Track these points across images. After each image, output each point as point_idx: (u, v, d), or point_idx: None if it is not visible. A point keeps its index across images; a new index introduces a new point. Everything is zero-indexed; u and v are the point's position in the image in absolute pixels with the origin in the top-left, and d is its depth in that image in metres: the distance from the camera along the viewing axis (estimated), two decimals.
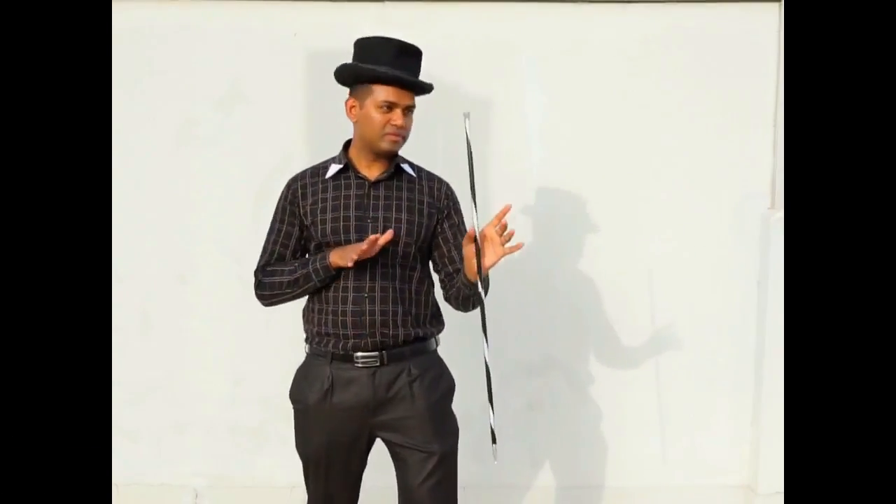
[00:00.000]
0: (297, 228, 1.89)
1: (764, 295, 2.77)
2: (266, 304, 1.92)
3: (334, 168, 1.87)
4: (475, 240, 1.72)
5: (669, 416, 2.87)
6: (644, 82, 2.74)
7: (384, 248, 1.77)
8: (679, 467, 2.89)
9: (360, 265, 1.77)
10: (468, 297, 1.85)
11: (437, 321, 1.96)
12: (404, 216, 1.85)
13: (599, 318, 2.82)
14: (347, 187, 1.85)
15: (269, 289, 1.87)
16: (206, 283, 2.80)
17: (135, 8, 2.67)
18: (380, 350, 1.82)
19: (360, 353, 1.82)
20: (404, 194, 1.87)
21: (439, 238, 1.92)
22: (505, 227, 1.72)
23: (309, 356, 1.91)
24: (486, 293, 1.79)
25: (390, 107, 1.79)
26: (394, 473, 1.91)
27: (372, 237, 1.70)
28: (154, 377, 2.83)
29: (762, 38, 2.73)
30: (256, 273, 1.91)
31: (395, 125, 1.79)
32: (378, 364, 1.82)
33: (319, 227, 1.84)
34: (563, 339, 2.85)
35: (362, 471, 1.93)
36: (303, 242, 1.90)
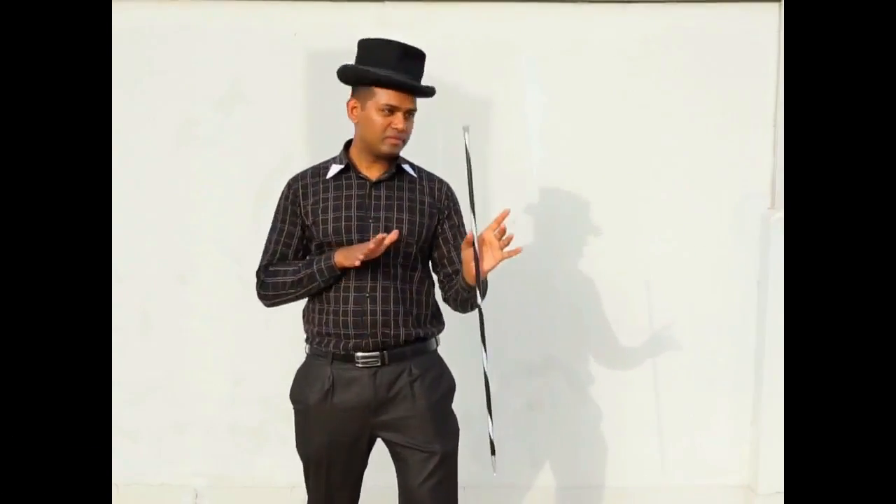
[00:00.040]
0: (298, 228, 1.88)
1: (764, 295, 2.77)
2: (268, 305, 1.92)
3: (335, 168, 1.87)
4: (474, 245, 1.72)
5: (669, 416, 2.87)
6: (644, 82, 2.74)
7: (386, 249, 1.77)
8: (679, 467, 2.89)
9: (362, 265, 1.77)
10: (466, 300, 1.87)
11: (438, 321, 1.97)
12: (406, 216, 1.85)
13: (599, 319, 2.82)
14: (349, 187, 1.85)
15: (273, 289, 1.87)
16: (206, 283, 2.80)
17: (135, 8, 2.67)
18: (381, 350, 1.82)
19: (360, 353, 1.82)
20: (405, 194, 1.87)
21: (439, 239, 1.92)
22: (504, 231, 1.73)
23: (309, 356, 1.91)
24: (483, 297, 1.80)
25: (391, 110, 1.79)
26: (394, 473, 1.91)
27: (379, 236, 1.70)
28: (154, 377, 2.83)
29: (762, 38, 2.73)
30: (258, 273, 1.91)
31: (396, 129, 1.80)
32: (379, 364, 1.82)
33: (321, 226, 1.84)
34: (563, 339, 2.85)
35: (363, 471, 1.93)
36: (304, 242, 1.90)
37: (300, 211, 1.87)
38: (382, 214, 1.84)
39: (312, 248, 1.88)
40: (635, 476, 2.89)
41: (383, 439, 1.88)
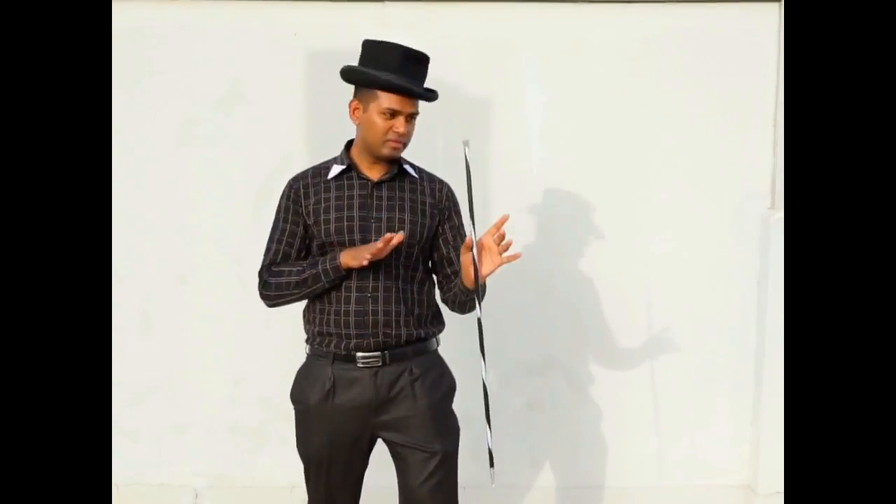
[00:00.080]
0: (301, 227, 1.88)
1: (764, 295, 2.77)
2: (270, 305, 1.91)
3: (336, 168, 1.87)
4: (472, 251, 1.73)
5: (669, 416, 2.87)
6: (644, 82, 2.74)
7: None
8: (679, 467, 2.89)
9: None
10: (465, 302, 1.88)
11: (438, 321, 1.97)
12: (408, 217, 1.85)
13: (599, 319, 2.82)
14: (350, 188, 1.85)
15: (276, 289, 1.86)
16: (206, 283, 2.80)
17: (135, 8, 2.67)
18: (382, 350, 1.82)
19: (362, 354, 1.82)
20: (407, 195, 1.87)
21: (439, 239, 1.92)
22: (503, 236, 1.73)
23: (310, 356, 1.91)
24: (481, 301, 1.80)
25: (393, 114, 1.79)
26: (394, 473, 1.91)
27: (387, 236, 1.70)
28: (154, 377, 2.83)
29: (762, 38, 2.73)
30: (261, 273, 1.90)
31: (398, 132, 1.80)
32: (380, 364, 1.82)
33: (322, 226, 1.84)
34: (563, 339, 2.85)
35: (363, 471, 1.93)
36: (307, 241, 1.90)
37: (302, 210, 1.87)
38: (384, 215, 1.84)
39: (314, 247, 1.88)
40: (635, 476, 2.89)
41: (384, 439, 1.88)
